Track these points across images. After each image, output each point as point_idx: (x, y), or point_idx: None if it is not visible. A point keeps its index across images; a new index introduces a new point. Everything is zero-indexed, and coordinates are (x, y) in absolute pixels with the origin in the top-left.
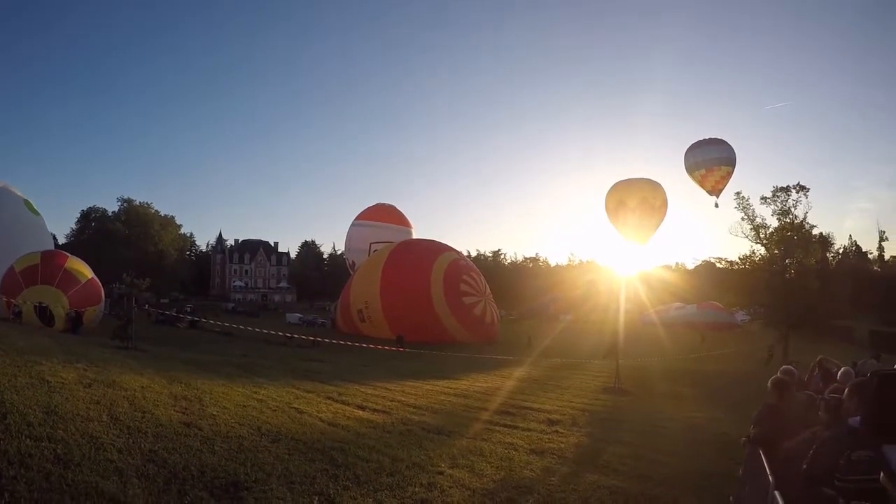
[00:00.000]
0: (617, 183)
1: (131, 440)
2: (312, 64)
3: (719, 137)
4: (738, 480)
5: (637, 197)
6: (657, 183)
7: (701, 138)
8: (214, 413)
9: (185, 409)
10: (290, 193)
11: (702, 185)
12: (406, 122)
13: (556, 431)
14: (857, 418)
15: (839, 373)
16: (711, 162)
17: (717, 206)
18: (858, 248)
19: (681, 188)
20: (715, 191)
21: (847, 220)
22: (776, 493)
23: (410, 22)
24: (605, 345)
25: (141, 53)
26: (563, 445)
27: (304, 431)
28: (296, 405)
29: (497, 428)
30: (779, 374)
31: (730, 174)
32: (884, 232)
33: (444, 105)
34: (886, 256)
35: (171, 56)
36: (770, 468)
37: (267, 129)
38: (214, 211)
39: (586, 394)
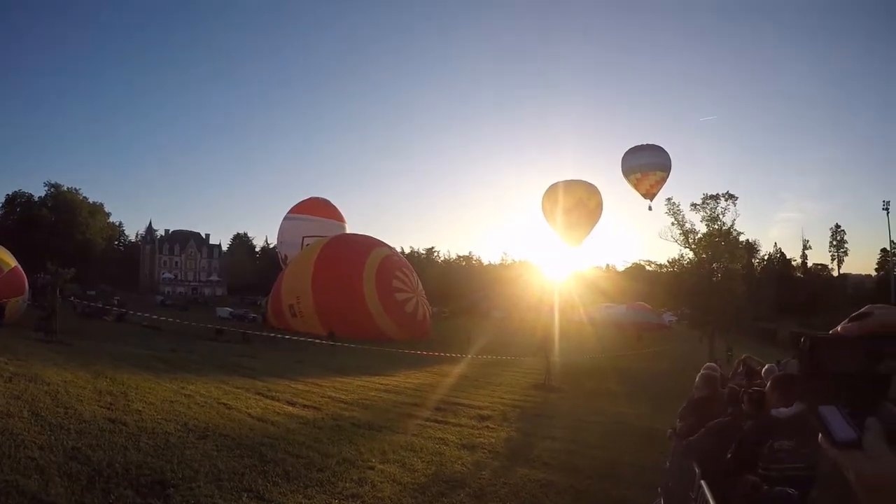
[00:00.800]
0: (554, 184)
1: (53, 437)
2: (247, 54)
3: (656, 144)
4: (665, 472)
5: (573, 198)
6: (593, 185)
7: (637, 144)
8: (140, 409)
9: (110, 404)
10: (224, 184)
11: (637, 189)
12: (343, 117)
13: (488, 427)
14: (780, 409)
15: (763, 369)
16: (647, 167)
17: (650, 209)
18: (783, 255)
19: (613, 191)
20: (649, 194)
21: (773, 228)
22: (702, 482)
23: (347, 13)
24: (536, 342)
25: (67, 30)
26: (494, 440)
27: (233, 427)
28: (224, 401)
29: (428, 423)
30: (703, 370)
31: (664, 179)
32: (807, 241)
33: (381, 100)
34: (809, 264)
35: (101, 34)
36: (696, 459)
37: (201, 116)
38: (145, 199)
39: (517, 390)
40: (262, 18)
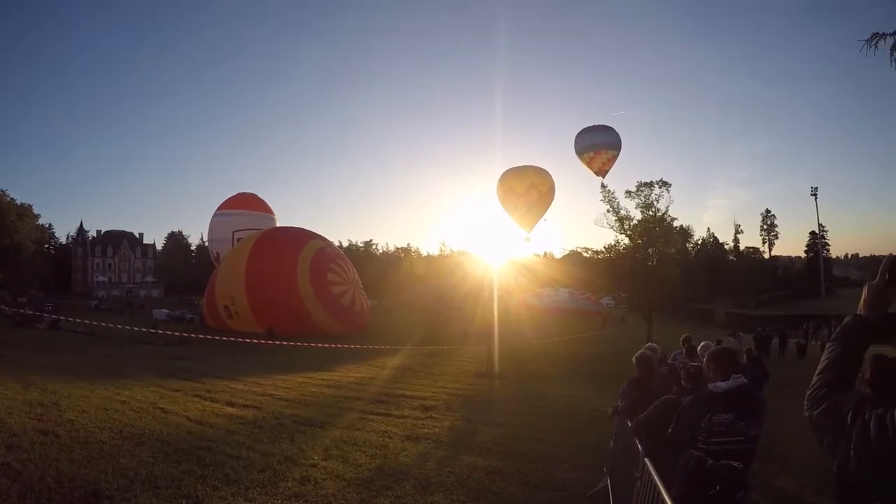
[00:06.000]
0: (507, 170)
1: None
2: (179, 50)
3: (607, 125)
4: (610, 452)
5: (526, 183)
6: (545, 170)
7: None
8: (73, 418)
9: (41, 415)
10: (156, 180)
11: (589, 167)
12: (274, 110)
13: (431, 417)
14: (717, 383)
15: (700, 346)
16: (599, 146)
17: (603, 185)
18: (716, 239)
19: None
20: (602, 172)
21: (706, 214)
22: (646, 460)
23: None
24: (477, 331)
25: None
26: (437, 430)
27: (170, 432)
28: (161, 405)
29: (371, 417)
30: (643, 350)
31: (615, 157)
32: (739, 226)
33: (314, 92)
34: (742, 247)
35: (31, 30)
36: (639, 437)
37: (130, 111)
38: (74, 199)
39: (460, 379)
40: (189, 12)
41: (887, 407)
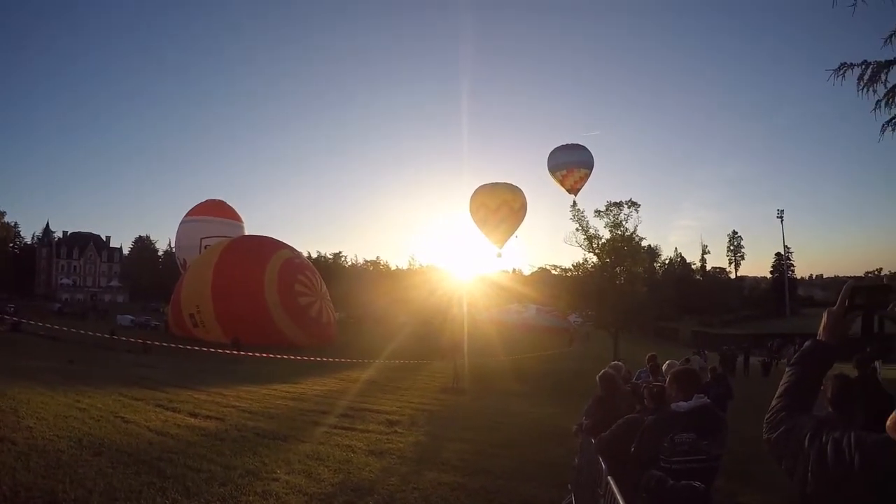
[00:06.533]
0: (480, 186)
1: None
2: (152, 53)
3: (579, 143)
4: (574, 468)
5: (498, 199)
6: (518, 188)
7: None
8: (31, 425)
9: None
10: (125, 183)
11: (562, 184)
12: (246, 117)
13: (396, 432)
14: (680, 403)
15: (664, 365)
16: (571, 164)
17: (574, 203)
18: (683, 259)
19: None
20: (574, 189)
21: (673, 235)
22: (609, 478)
23: (257, 10)
24: (444, 346)
25: None
26: (402, 445)
27: (130, 442)
28: (122, 414)
29: (335, 431)
30: (606, 368)
31: (587, 175)
32: (706, 246)
33: (287, 102)
34: (708, 267)
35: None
36: (603, 455)
37: (100, 111)
38: (41, 198)
39: (426, 394)
40: (159, 13)
41: (844, 430)
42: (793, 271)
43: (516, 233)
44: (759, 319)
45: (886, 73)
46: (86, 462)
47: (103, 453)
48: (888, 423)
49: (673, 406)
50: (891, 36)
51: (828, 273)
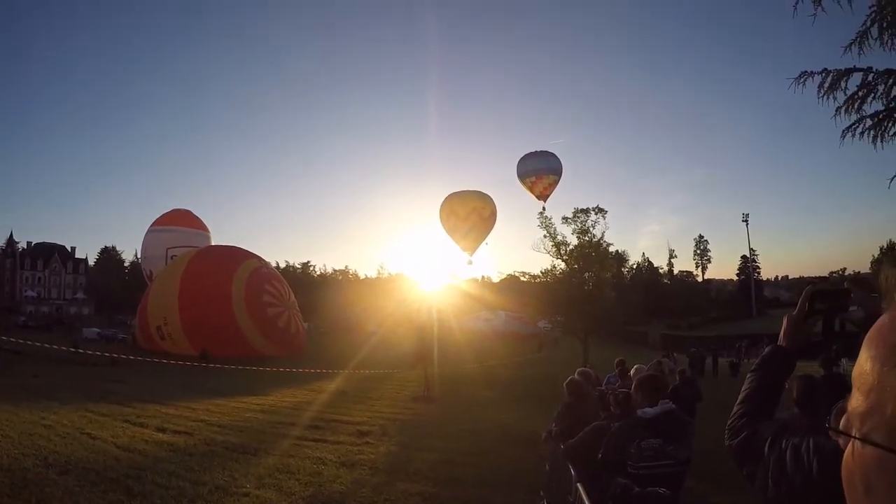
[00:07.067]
0: (450, 194)
1: None
2: (118, 60)
3: (549, 150)
4: (545, 474)
5: (468, 207)
6: (488, 195)
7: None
8: None
9: None
10: (90, 192)
11: (531, 191)
12: (211, 125)
13: (367, 442)
14: (646, 409)
15: (633, 370)
16: (541, 171)
17: (544, 209)
18: (651, 263)
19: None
20: (543, 196)
21: (641, 240)
22: (578, 485)
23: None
24: (414, 355)
25: None
26: (373, 456)
27: (97, 459)
28: (89, 430)
29: (306, 443)
30: (575, 375)
31: (556, 182)
32: (673, 250)
33: (254, 110)
34: (676, 271)
35: None
36: (571, 461)
37: (65, 119)
38: (4, 208)
39: (397, 403)
40: (123, 19)
41: (804, 436)
42: (758, 273)
43: (486, 240)
44: (726, 321)
45: (846, 81)
46: (52, 481)
47: (70, 471)
48: (842, 423)
49: (639, 412)
50: (850, 45)
51: (793, 274)
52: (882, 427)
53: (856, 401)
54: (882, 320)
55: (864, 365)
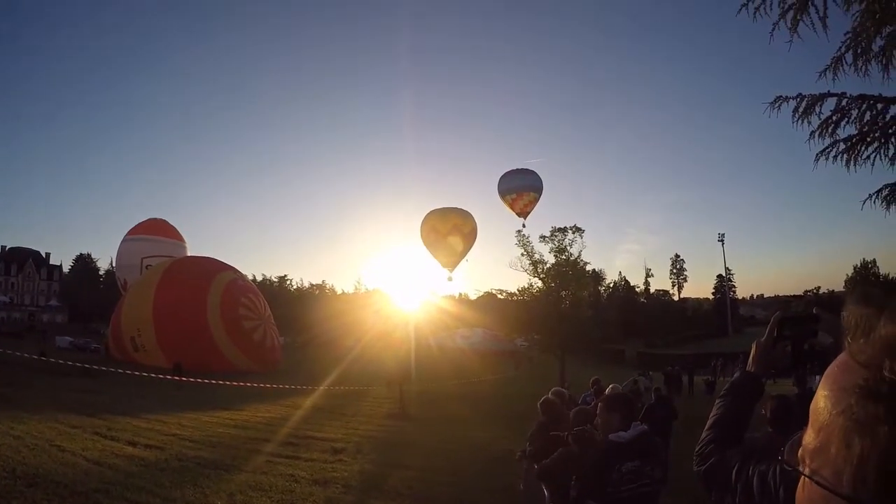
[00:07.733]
0: (431, 211)
1: None
2: (90, 62)
3: (529, 168)
4: (520, 493)
5: (449, 224)
6: (468, 212)
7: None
8: None
9: None
10: (66, 198)
11: (512, 208)
12: (190, 134)
13: (341, 460)
14: (621, 433)
15: (608, 388)
16: (521, 188)
17: (524, 226)
18: (627, 282)
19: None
20: (523, 213)
21: (618, 259)
22: None
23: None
24: (390, 372)
25: None
26: (347, 474)
27: (66, 473)
28: (58, 442)
29: (279, 460)
30: (549, 395)
31: (536, 199)
32: (650, 269)
33: (233, 119)
34: (652, 289)
35: None
36: (545, 483)
37: (39, 122)
38: None
39: (372, 420)
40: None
41: (770, 463)
42: (734, 292)
43: (467, 256)
44: (702, 339)
45: (820, 106)
46: (20, 493)
47: (38, 484)
48: (799, 454)
49: (613, 437)
50: (825, 70)
51: (768, 293)
52: (827, 466)
53: (808, 437)
54: (839, 359)
55: (818, 402)
